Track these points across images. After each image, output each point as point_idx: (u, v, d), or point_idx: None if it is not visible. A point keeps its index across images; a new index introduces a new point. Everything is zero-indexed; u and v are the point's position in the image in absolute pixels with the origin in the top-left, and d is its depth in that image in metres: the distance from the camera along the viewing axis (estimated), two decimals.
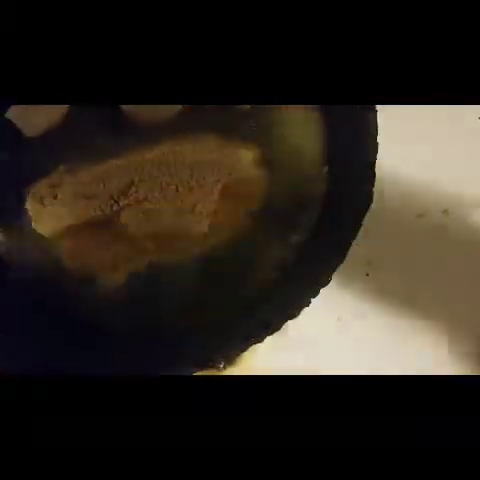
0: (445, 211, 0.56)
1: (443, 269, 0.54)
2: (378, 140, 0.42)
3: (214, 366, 0.41)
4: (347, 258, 0.41)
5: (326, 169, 0.46)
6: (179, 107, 0.46)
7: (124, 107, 0.46)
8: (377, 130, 0.41)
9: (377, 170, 0.42)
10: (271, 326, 0.37)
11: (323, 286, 0.38)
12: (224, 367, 0.50)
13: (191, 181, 0.46)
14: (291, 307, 0.37)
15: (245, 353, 0.42)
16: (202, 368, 0.40)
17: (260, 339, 0.37)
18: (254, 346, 0.39)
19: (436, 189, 0.55)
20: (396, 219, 0.54)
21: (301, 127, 0.47)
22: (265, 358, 0.51)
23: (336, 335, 0.52)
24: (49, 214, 0.46)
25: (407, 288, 0.54)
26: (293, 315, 0.37)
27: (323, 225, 0.43)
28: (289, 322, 0.39)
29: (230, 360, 0.44)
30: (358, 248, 0.43)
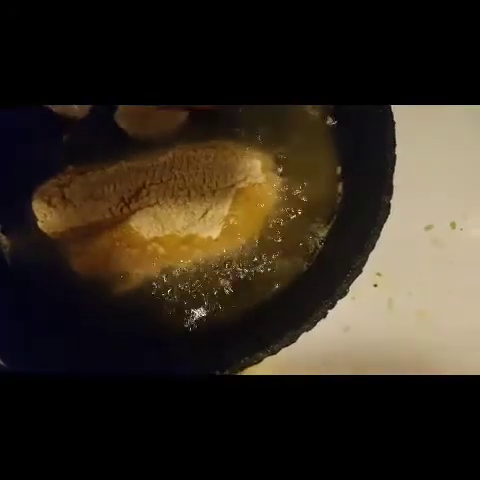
0: (452, 224, 0.56)
1: (451, 280, 0.54)
2: None
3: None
4: None
5: (340, 170, 0.46)
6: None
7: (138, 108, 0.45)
8: (395, 142, 0.40)
9: None
10: (284, 339, 0.36)
11: (340, 297, 0.37)
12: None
13: (203, 186, 0.45)
14: (307, 320, 0.36)
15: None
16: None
17: (274, 352, 0.36)
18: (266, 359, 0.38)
19: (444, 202, 0.55)
20: (404, 231, 0.54)
21: (316, 134, 0.47)
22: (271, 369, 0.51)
23: (344, 345, 0.52)
24: (56, 214, 0.45)
25: (415, 299, 0.54)
26: (308, 328, 0.36)
27: (340, 235, 0.42)
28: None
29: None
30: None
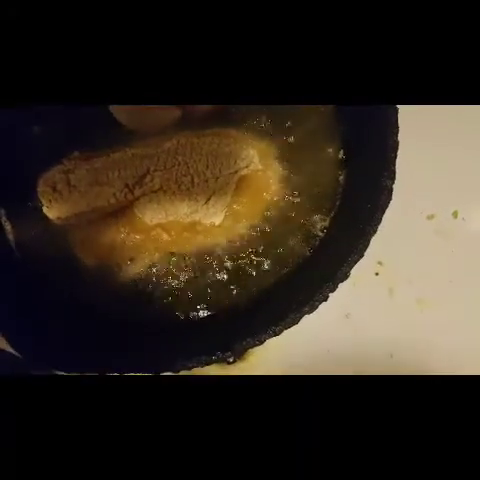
0: (455, 213, 0.56)
1: (452, 270, 0.55)
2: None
3: (224, 360, 0.41)
4: None
5: (342, 155, 0.46)
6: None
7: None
8: (398, 126, 0.40)
9: None
10: (287, 321, 0.37)
11: (342, 281, 0.37)
12: (234, 361, 0.49)
13: (207, 172, 0.46)
14: (308, 303, 0.36)
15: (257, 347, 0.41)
16: (212, 361, 0.39)
17: (276, 333, 0.37)
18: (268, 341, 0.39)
19: (446, 191, 0.55)
20: (406, 220, 0.54)
21: (318, 121, 0.48)
22: (274, 353, 0.51)
23: (344, 332, 0.53)
24: (61, 200, 0.45)
25: (416, 288, 0.54)
26: (310, 311, 0.37)
27: (342, 220, 0.43)
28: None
29: (240, 354, 0.44)
30: (368, 248, 0.43)
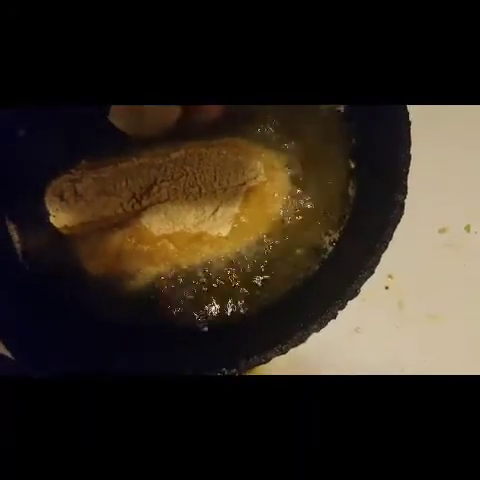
0: (467, 227, 0.55)
1: (463, 284, 0.53)
2: None
3: None
4: None
5: (353, 166, 0.45)
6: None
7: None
8: (410, 140, 0.40)
9: None
10: (294, 339, 0.36)
11: (351, 298, 0.36)
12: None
13: (215, 183, 0.45)
14: (317, 320, 0.35)
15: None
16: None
17: (283, 351, 0.36)
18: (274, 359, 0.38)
19: (459, 204, 0.54)
20: (418, 234, 0.53)
21: (329, 133, 0.47)
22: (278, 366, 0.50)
23: (353, 346, 0.52)
24: (68, 209, 0.45)
25: (426, 302, 0.53)
26: (318, 329, 0.36)
27: (352, 234, 0.42)
28: None
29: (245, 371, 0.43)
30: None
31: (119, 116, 0.46)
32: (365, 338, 0.52)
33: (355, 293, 0.37)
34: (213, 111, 0.46)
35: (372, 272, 0.37)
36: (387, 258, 0.44)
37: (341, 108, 0.47)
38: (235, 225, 0.45)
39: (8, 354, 0.42)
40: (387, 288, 0.53)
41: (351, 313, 0.49)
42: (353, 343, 0.52)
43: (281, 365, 0.47)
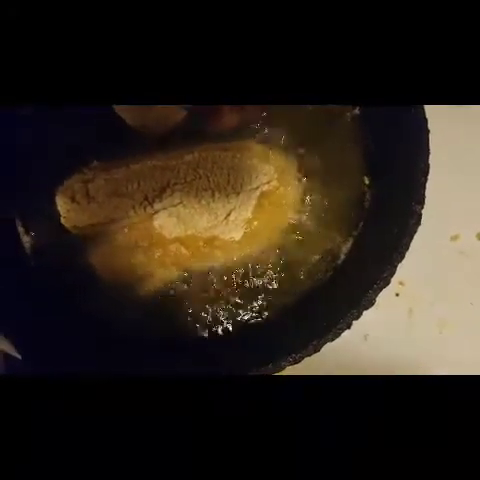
0: (479, 235, 0.55)
1: (474, 292, 0.53)
2: None
3: None
4: None
5: (367, 180, 0.45)
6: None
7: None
8: (429, 149, 0.39)
9: None
10: (309, 348, 0.36)
11: (366, 308, 0.36)
12: None
13: (228, 187, 0.44)
14: (331, 330, 0.35)
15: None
16: None
17: (296, 361, 0.36)
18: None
19: (471, 212, 0.54)
20: (430, 241, 0.53)
21: (344, 140, 0.46)
22: None
23: (362, 352, 0.51)
24: (79, 210, 0.44)
25: (436, 309, 0.53)
26: (332, 338, 0.35)
27: (367, 242, 0.41)
28: None
29: None
30: None
31: (125, 109, 0.45)
32: (374, 344, 0.52)
33: (370, 303, 0.36)
34: (229, 120, 0.46)
35: (388, 282, 0.36)
36: (399, 265, 0.44)
37: (357, 110, 0.47)
38: (247, 230, 0.45)
39: (12, 353, 0.41)
40: (398, 295, 0.53)
41: (361, 319, 0.48)
42: (362, 349, 0.51)
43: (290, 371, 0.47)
